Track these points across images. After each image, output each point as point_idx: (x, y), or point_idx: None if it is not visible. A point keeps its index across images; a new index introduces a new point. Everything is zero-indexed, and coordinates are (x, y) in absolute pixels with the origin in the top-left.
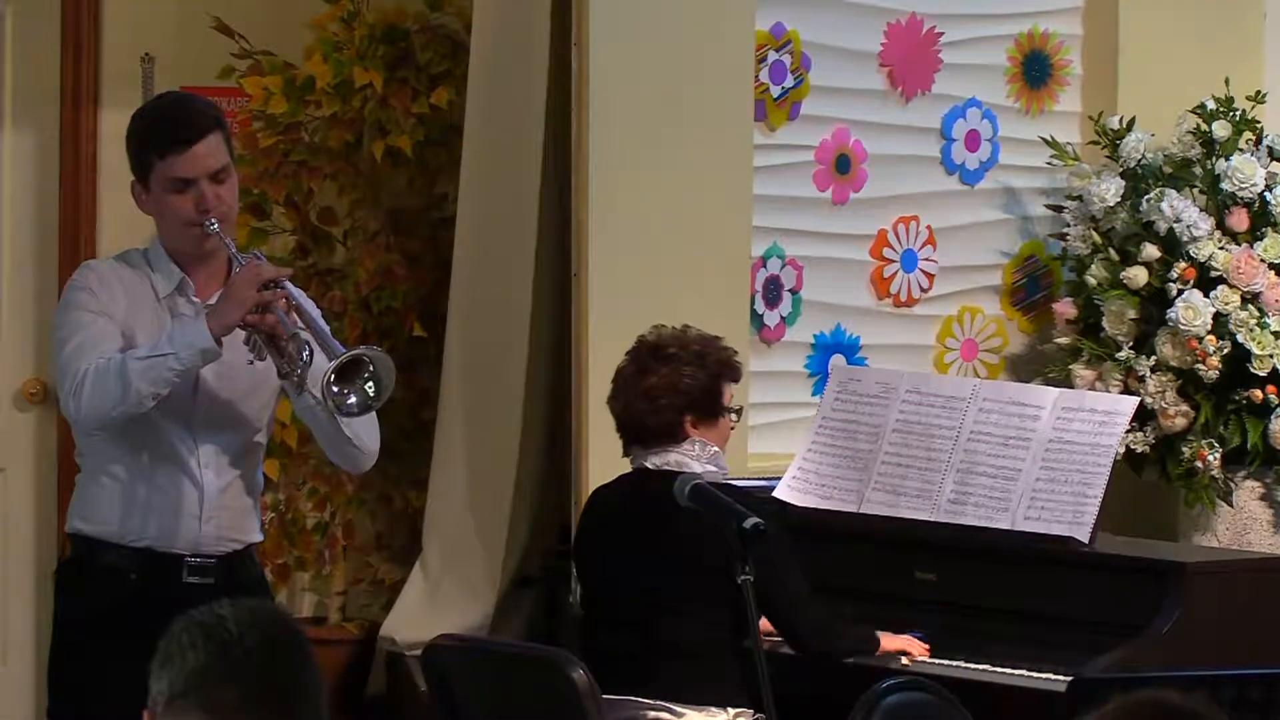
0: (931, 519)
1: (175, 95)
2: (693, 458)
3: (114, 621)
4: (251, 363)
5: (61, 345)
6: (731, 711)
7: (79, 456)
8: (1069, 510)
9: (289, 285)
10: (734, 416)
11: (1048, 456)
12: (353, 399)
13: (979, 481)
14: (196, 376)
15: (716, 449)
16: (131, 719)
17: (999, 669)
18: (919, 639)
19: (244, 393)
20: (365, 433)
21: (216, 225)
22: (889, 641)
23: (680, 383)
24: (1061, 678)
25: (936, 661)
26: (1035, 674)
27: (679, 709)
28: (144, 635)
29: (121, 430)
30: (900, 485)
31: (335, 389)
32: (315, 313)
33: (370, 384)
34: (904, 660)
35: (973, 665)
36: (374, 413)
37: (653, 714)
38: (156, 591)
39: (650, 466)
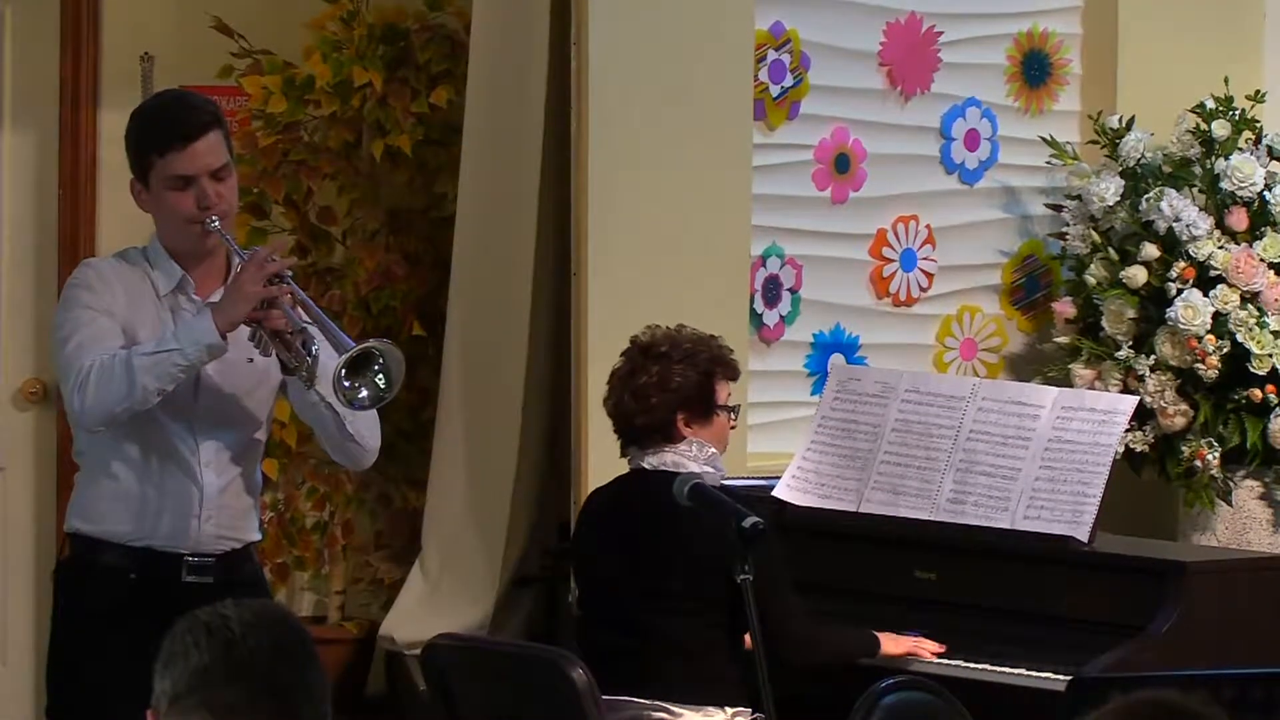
0: (931, 518)
1: (174, 93)
2: (689, 458)
3: (113, 621)
4: (251, 360)
5: (63, 343)
6: (729, 711)
7: (78, 456)
8: (1068, 510)
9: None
10: (732, 415)
11: (1047, 456)
12: (364, 392)
13: (978, 481)
14: (198, 374)
15: (714, 450)
16: (132, 718)
17: (999, 669)
18: (923, 638)
19: (246, 390)
20: (367, 429)
21: (217, 223)
22: (892, 644)
23: (671, 381)
24: (1061, 678)
25: (936, 661)
26: (1035, 674)
27: (677, 709)
28: (143, 634)
29: (123, 428)
30: (899, 484)
31: (346, 383)
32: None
33: (380, 376)
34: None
35: (973, 665)
36: (375, 410)
37: (651, 714)
38: (156, 591)
39: (647, 467)
